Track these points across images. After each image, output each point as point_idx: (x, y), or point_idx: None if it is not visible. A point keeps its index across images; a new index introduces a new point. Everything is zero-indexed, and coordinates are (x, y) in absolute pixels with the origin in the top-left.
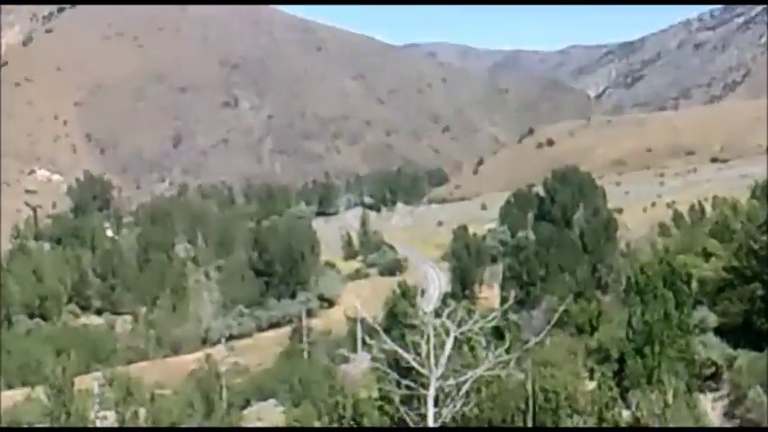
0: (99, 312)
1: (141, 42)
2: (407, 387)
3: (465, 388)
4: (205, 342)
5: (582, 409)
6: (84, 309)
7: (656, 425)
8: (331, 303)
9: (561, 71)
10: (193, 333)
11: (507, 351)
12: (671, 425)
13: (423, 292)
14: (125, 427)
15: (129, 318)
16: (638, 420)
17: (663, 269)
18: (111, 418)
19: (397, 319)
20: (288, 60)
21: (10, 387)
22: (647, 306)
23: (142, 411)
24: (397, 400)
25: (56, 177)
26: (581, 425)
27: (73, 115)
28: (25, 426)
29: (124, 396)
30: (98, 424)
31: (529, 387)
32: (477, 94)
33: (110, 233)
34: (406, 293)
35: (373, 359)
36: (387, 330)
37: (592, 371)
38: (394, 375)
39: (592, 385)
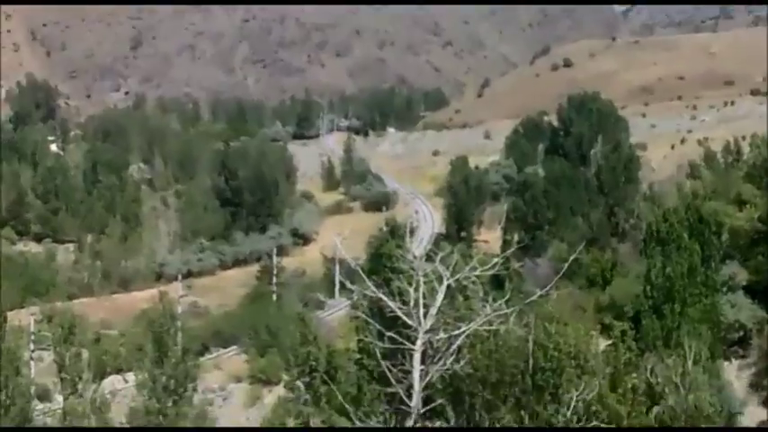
0: (38, 239)
1: None
2: (391, 340)
3: (457, 343)
4: (159, 278)
5: (590, 371)
6: (22, 234)
7: (673, 393)
8: (306, 240)
9: None
10: (146, 267)
11: (507, 303)
12: (689, 394)
13: (413, 231)
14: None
15: (72, 247)
16: (652, 388)
17: (689, 217)
18: (47, 360)
19: (382, 262)
20: None
21: None
22: (668, 258)
23: (84, 353)
24: (378, 353)
25: None
26: (588, 390)
27: (16, 8)
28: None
29: (64, 335)
30: (33, 365)
31: (530, 344)
32: (486, 5)
33: (54, 148)
34: (395, 232)
35: (353, 306)
36: (370, 274)
37: (606, 328)
38: (376, 326)
39: (603, 345)
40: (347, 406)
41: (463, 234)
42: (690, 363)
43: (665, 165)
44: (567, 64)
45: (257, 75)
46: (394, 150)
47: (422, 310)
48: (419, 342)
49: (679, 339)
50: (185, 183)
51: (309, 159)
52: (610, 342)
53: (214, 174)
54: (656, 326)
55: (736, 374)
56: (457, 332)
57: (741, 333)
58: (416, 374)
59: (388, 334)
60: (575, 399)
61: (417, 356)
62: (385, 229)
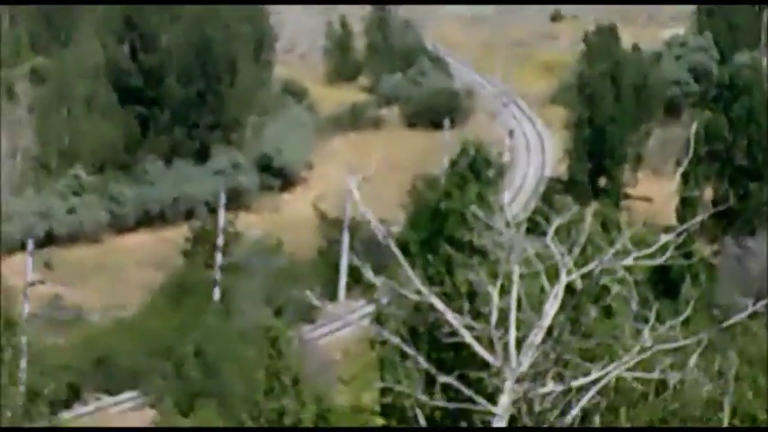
0: None
1: None
2: (445, 391)
3: (582, 403)
4: None
5: None
6: None
7: None
8: (288, 181)
9: None
10: None
11: (686, 327)
12: None
13: (502, 171)
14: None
15: None
16: None
17: None
18: None
19: (441, 232)
20: None
21: None
22: None
23: None
24: (421, 417)
25: None
26: None
27: None
28: None
29: None
30: None
31: (726, 409)
32: None
33: None
34: (478, 168)
35: (375, 319)
36: (414, 254)
37: None
38: (421, 361)
39: None
40: None
41: (603, 182)
42: None
43: None
44: None
45: None
46: (473, 8)
47: (513, 334)
48: (505, 397)
49: None
50: (52, 53)
51: (302, 19)
52: None
53: (108, 37)
54: None
55: None
56: (583, 381)
57: None
58: None
59: (444, 379)
60: None
61: (502, 425)
62: (456, 158)
